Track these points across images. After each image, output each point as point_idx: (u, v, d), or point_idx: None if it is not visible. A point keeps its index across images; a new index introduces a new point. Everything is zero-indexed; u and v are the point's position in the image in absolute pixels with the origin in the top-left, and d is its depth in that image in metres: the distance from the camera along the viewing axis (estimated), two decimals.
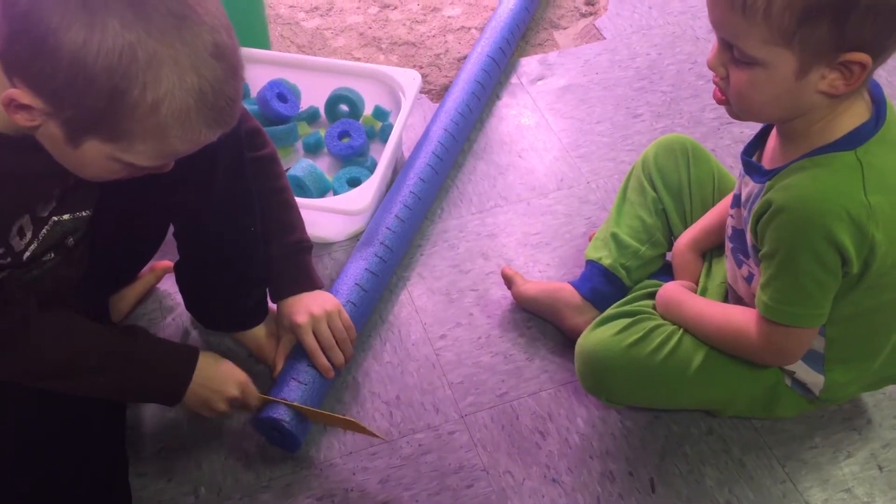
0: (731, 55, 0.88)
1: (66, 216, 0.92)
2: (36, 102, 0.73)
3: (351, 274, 1.24)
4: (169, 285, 1.27)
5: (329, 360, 1.12)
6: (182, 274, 1.18)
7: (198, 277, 1.16)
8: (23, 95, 0.73)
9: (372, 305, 1.26)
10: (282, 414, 1.07)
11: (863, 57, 0.83)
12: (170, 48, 0.71)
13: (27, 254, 0.90)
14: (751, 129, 1.50)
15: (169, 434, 1.15)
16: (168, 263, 1.25)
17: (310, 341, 1.11)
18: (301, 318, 1.10)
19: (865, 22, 0.80)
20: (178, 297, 1.23)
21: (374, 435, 1.10)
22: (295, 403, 1.08)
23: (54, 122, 0.75)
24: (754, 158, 1.01)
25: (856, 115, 0.91)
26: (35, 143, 0.80)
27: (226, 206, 1.04)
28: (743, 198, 1.01)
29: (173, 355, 1.02)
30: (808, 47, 0.83)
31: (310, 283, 1.14)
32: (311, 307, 1.11)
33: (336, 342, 1.12)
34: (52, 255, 0.95)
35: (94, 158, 0.79)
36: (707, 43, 1.75)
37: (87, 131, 0.76)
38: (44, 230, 0.91)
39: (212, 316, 1.22)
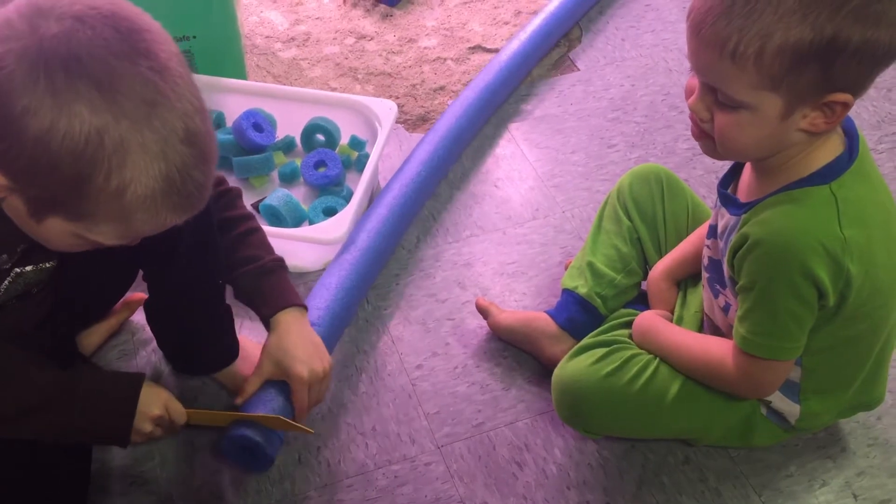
0: (714, 98, 0.89)
1: (28, 268, 0.91)
2: (0, 179, 0.73)
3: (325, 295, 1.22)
4: (143, 317, 1.25)
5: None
6: (151, 314, 1.16)
7: (166, 320, 1.15)
8: None
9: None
10: (249, 432, 1.04)
11: (846, 97, 0.84)
12: (138, 134, 0.70)
13: None
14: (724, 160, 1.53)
15: (139, 468, 1.13)
16: (142, 296, 1.23)
17: (304, 399, 1.06)
18: (304, 372, 1.04)
19: (849, 66, 0.82)
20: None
21: (305, 431, 1.08)
22: (219, 411, 1.04)
23: (18, 196, 0.75)
24: (729, 190, 1.03)
25: (830, 149, 0.92)
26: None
27: (192, 258, 1.03)
28: (719, 229, 1.02)
29: (110, 393, 0.96)
30: (795, 90, 0.84)
31: (296, 297, 1.10)
32: (314, 362, 1.05)
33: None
34: (15, 301, 0.93)
35: (57, 234, 0.78)
36: (680, 75, 1.78)
37: (50, 209, 0.75)
38: (5, 282, 0.89)
39: (179, 359, 1.21)
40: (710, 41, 0.85)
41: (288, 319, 1.07)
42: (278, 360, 1.06)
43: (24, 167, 0.70)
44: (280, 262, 1.10)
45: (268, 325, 1.08)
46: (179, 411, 1.02)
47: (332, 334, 1.19)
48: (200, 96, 0.76)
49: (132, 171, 0.71)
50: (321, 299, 1.21)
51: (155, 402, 0.99)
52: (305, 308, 1.10)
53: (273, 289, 1.08)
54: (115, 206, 0.73)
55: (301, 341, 1.06)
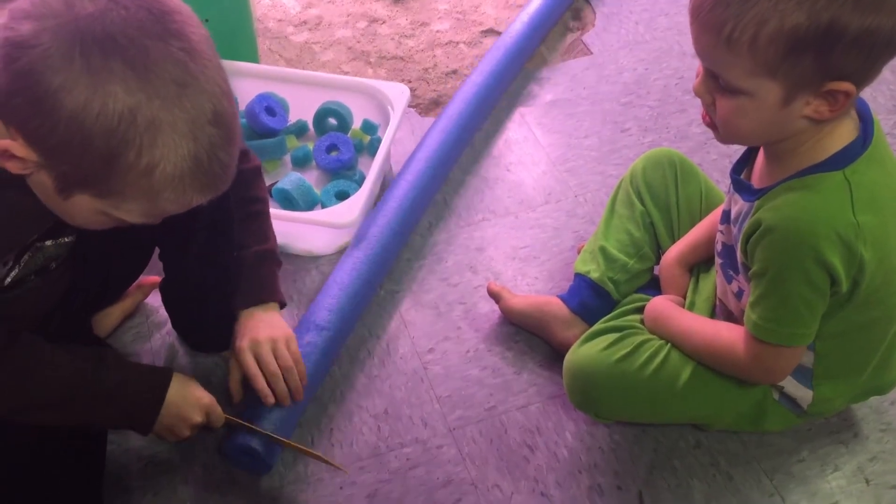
0: (716, 83, 0.89)
1: (48, 242, 0.91)
2: (30, 155, 0.74)
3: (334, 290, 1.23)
4: (158, 300, 1.26)
5: (272, 388, 1.06)
6: (167, 294, 1.17)
7: (181, 299, 1.16)
8: (17, 147, 0.73)
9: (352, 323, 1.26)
10: (247, 439, 1.05)
11: (847, 86, 0.84)
12: (169, 114, 0.71)
13: (8, 279, 0.90)
14: (738, 145, 1.52)
15: (154, 449, 1.14)
16: (156, 279, 1.24)
17: (249, 364, 1.05)
18: (242, 343, 1.06)
19: (849, 54, 0.81)
20: (166, 314, 1.23)
21: (338, 467, 1.10)
22: (263, 430, 1.06)
23: (47, 173, 0.76)
24: (742, 176, 1.02)
25: (843, 134, 0.91)
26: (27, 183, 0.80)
27: (208, 233, 1.04)
28: (732, 215, 1.02)
29: (141, 386, 0.99)
30: (793, 78, 0.84)
31: (271, 294, 1.11)
32: (257, 331, 1.07)
33: (281, 371, 1.07)
34: (34, 277, 0.94)
35: (83, 210, 0.79)
36: (693, 59, 1.76)
37: (78, 186, 0.76)
38: (25, 256, 0.90)
39: (194, 337, 1.22)
40: (707, 26, 0.85)
41: (248, 313, 1.09)
42: (233, 351, 1.09)
43: (57, 143, 0.72)
44: (264, 253, 1.11)
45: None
46: (219, 417, 1.05)
47: (339, 337, 1.21)
48: (227, 78, 0.77)
49: (162, 150, 0.72)
50: (332, 298, 1.22)
51: (198, 410, 1.02)
52: (276, 302, 1.12)
53: (246, 283, 1.10)
54: (143, 185, 0.74)
55: (248, 323, 1.08)
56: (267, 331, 1.07)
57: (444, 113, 1.51)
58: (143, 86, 0.70)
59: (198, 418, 1.02)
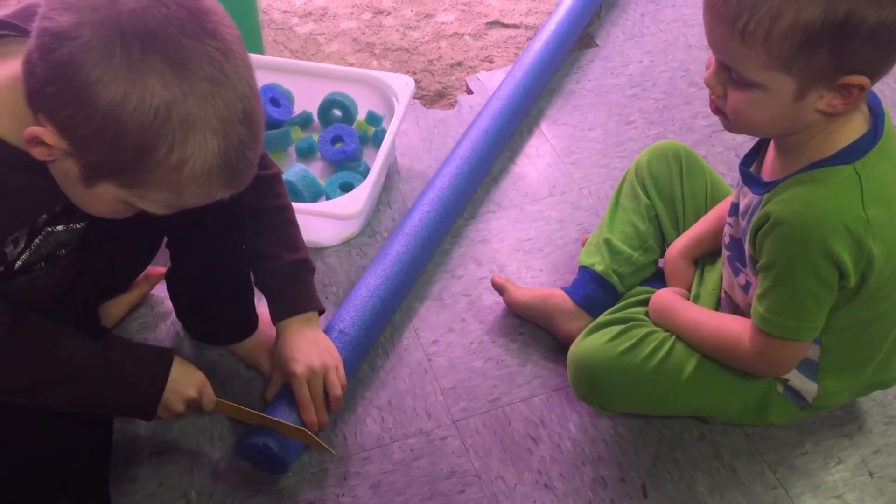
0: (728, 75, 0.89)
1: (59, 227, 0.92)
2: (60, 143, 0.75)
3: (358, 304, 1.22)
4: (163, 290, 1.27)
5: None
6: (172, 283, 1.18)
7: (187, 289, 1.16)
8: (48, 135, 0.74)
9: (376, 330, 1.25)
10: (268, 441, 1.06)
11: (861, 79, 0.83)
12: (202, 111, 0.73)
13: (19, 262, 0.90)
14: (743, 137, 1.51)
15: (160, 438, 1.14)
16: (163, 270, 1.25)
17: (303, 395, 1.07)
18: (298, 368, 1.07)
19: (865, 48, 0.81)
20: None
21: (326, 449, 1.10)
22: (246, 408, 1.06)
23: (73, 161, 0.77)
24: (752, 169, 1.02)
25: (854, 128, 0.91)
26: (44, 166, 0.81)
27: (218, 223, 1.04)
28: (741, 208, 1.02)
29: (144, 364, 0.98)
30: (808, 72, 0.83)
31: (309, 303, 1.12)
32: (311, 358, 1.08)
33: (328, 398, 1.10)
34: (43, 264, 0.94)
35: (105, 199, 0.80)
36: (699, 51, 1.76)
37: (105, 176, 0.77)
38: (36, 240, 0.90)
39: (199, 328, 1.22)
40: (721, 18, 0.84)
41: (291, 325, 1.10)
42: (280, 364, 1.10)
43: (90, 134, 0.73)
44: (299, 263, 1.11)
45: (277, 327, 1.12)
46: (210, 398, 1.05)
47: (363, 342, 1.20)
48: (255, 78, 0.79)
49: (193, 146, 0.73)
50: (358, 303, 1.21)
51: (191, 384, 1.02)
52: (316, 311, 1.12)
53: (284, 293, 1.11)
54: (171, 179, 0.75)
55: (300, 342, 1.09)
56: (320, 357, 1.08)
57: (483, 112, 1.51)
58: (180, 82, 0.71)
59: (192, 392, 1.01)
